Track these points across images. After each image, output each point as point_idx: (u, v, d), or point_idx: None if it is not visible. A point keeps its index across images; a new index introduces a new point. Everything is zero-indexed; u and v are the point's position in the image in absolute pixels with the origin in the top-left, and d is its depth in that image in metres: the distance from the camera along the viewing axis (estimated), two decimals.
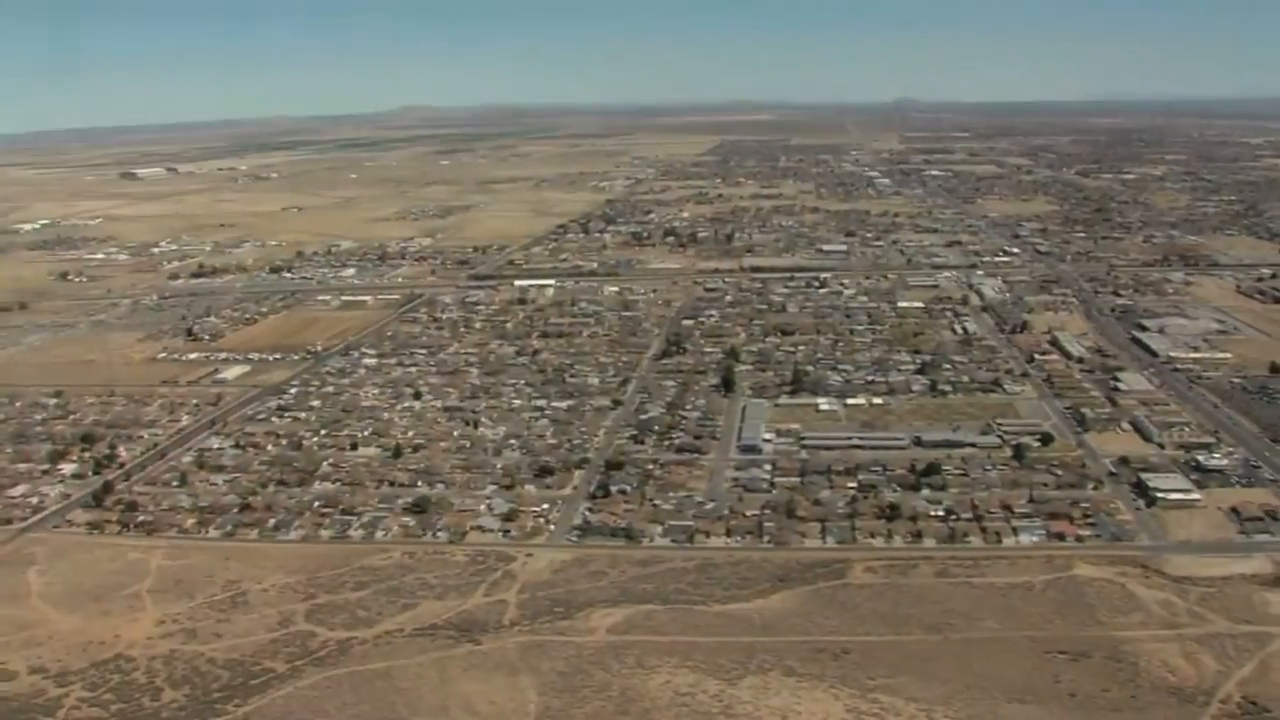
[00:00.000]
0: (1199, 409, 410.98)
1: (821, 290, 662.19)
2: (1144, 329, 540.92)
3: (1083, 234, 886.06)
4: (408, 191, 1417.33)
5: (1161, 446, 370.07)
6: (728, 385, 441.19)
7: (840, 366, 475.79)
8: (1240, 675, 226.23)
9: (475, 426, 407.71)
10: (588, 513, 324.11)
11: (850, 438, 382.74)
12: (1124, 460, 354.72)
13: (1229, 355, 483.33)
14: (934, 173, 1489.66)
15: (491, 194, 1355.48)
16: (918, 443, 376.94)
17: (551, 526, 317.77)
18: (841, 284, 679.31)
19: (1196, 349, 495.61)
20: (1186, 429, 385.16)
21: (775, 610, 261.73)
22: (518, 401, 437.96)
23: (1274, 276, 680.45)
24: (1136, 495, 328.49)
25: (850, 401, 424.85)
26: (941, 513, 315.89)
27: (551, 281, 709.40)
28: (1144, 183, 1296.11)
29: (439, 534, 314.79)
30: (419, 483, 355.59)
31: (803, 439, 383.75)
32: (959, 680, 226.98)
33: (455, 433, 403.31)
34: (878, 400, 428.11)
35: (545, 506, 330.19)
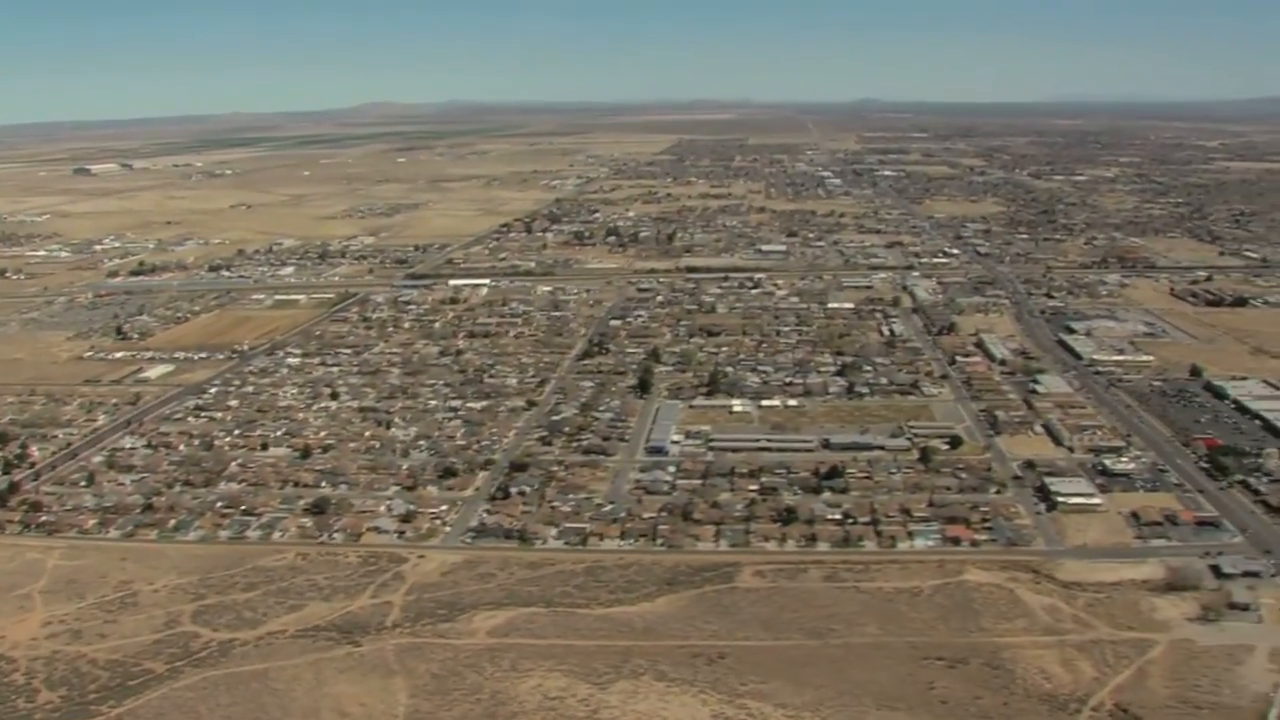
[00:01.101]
0: (1115, 412, 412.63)
1: (754, 291, 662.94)
2: (1071, 331, 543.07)
3: (1025, 235, 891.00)
4: (359, 189, 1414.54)
5: (1071, 450, 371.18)
6: (644, 386, 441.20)
7: (761, 368, 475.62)
8: (1116, 682, 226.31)
9: (387, 427, 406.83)
10: (485, 514, 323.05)
11: (758, 439, 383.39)
12: (1030, 464, 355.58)
13: (1151, 358, 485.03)
14: (886, 173, 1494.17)
15: (442, 192, 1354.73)
16: (826, 445, 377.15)
17: (448, 528, 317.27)
18: (775, 285, 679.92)
19: (1122, 351, 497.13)
20: (1099, 432, 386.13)
21: (658, 614, 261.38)
22: (433, 402, 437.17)
23: (1209, 279, 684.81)
24: (1039, 499, 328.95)
25: (765, 403, 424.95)
26: (838, 516, 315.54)
27: (486, 281, 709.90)
28: (1095, 184, 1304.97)
29: (335, 535, 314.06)
30: (323, 483, 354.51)
31: (711, 441, 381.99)
32: (831, 687, 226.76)
33: (367, 433, 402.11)
34: (793, 402, 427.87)
35: (444, 508, 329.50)
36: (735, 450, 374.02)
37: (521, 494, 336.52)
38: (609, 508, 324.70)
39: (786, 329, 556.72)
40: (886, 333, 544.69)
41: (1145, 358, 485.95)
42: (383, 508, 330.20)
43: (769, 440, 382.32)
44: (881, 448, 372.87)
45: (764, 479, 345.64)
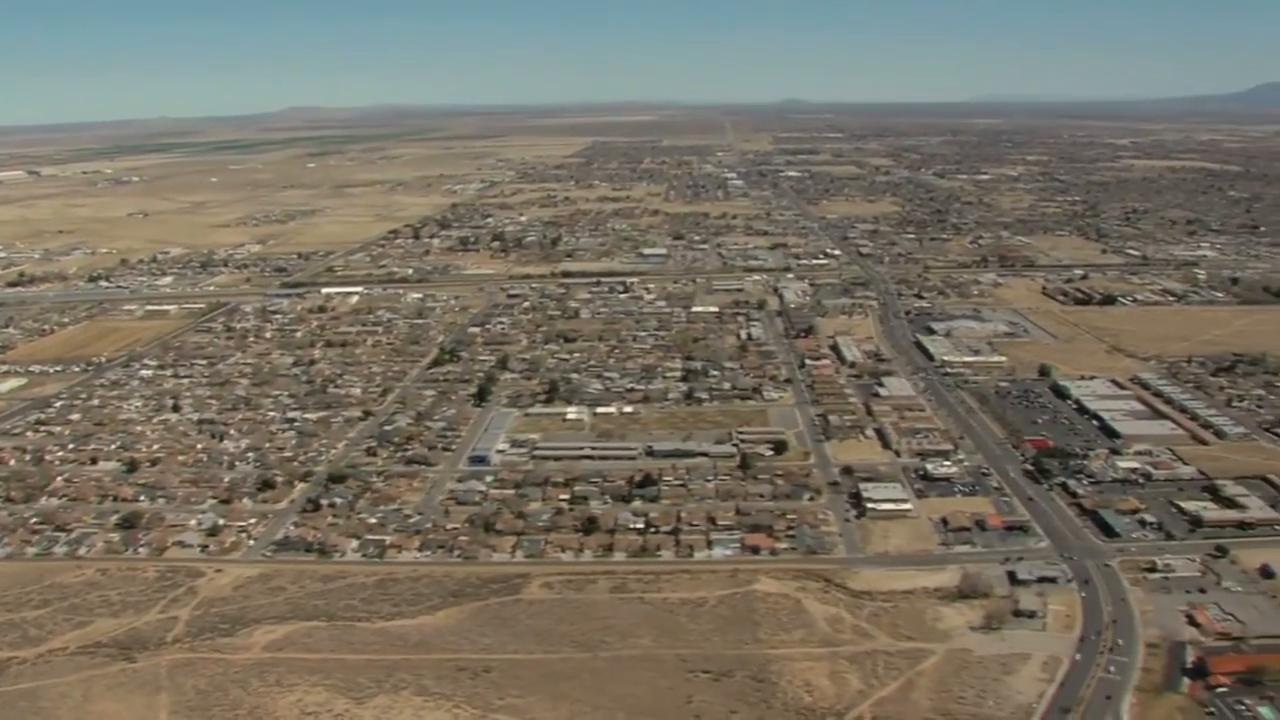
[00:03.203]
0: (953, 414, 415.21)
1: (623, 295, 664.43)
2: (931, 332, 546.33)
3: (913, 235, 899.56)
4: (262, 195, 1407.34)
5: (898, 454, 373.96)
6: (481, 395, 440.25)
7: (607, 374, 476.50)
8: (880, 695, 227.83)
9: (220, 439, 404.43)
10: (292, 527, 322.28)
11: (583, 448, 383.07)
12: (848, 470, 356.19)
13: (1004, 359, 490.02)
14: (791, 174, 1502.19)
15: (344, 198, 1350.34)
16: (650, 453, 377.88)
17: (252, 541, 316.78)
18: (645, 289, 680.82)
19: (977, 352, 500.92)
20: (930, 436, 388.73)
21: (436, 627, 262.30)
22: (273, 413, 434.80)
23: (1084, 277, 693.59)
24: (851, 505, 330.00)
25: (600, 410, 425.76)
26: (640, 526, 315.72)
27: (358, 289, 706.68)
28: (996, 183, 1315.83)
29: (141, 550, 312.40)
30: (142, 498, 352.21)
31: (535, 449, 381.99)
32: (588, 700, 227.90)
33: (198, 446, 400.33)
34: (629, 409, 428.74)
35: (253, 521, 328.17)
36: (558, 458, 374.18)
37: (332, 506, 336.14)
38: (415, 519, 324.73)
39: (644, 334, 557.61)
40: (744, 336, 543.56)
41: (997, 358, 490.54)
42: (193, 522, 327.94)
43: (592, 448, 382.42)
44: (705, 454, 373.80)
45: (577, 488, 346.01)
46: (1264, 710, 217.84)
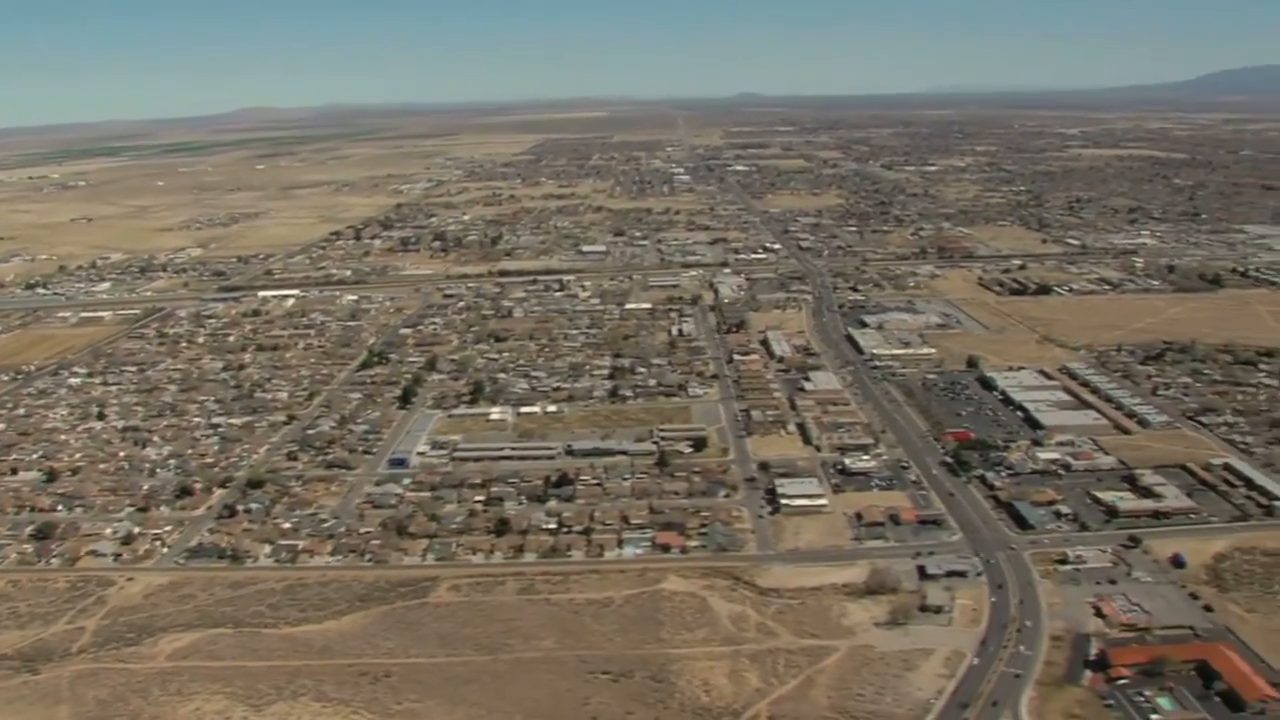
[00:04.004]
0: (878, 407, 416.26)
1: (558, 294, 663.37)
2: (863, 325, 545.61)
3: (854, 228, 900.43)
4: (207, 199, 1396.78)
5: (818, 449, 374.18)
6: (406, 397, 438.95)
7: (534, 373, 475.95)
8: (778, 693, 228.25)
9: (143, 446, 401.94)
10: (207, 534, 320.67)
11: (503, 448, 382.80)
12: (765, 465, 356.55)
13: (933, 351, 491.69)
14: (738, 168, 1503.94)
15: (290, 199, 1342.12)
16: (569, 452, 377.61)
17: (166, 549, 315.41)
18: (581, 286, 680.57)
19: (907, 344, 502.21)
20: (852, 430, 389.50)
21: (341, 632, 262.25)
22: (198, 419, 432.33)
23: (1022, 268, 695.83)
24: (766, 501, 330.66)
25: (525, 409, 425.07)
26: (553, 526, 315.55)
27: (295, 292, 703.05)
28: (943, 174, 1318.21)
29: (53, 560, 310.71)
30: (59, 507, 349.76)
31: (455, 451, 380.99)
32: (486, 704, 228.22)
33: (121, 454, 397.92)
34: (553, 408, 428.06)
35: (169, 529, 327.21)
36: (478, 459, 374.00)
37: (248, 512, 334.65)
38: (330, 523, 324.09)
39: (574, 332, 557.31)
40: (675, 332, 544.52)
41: (926, 351, 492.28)
42: (108, 530, 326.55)
43: (512, 448, 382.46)
44: (624, 453, 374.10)
45: (494, 489, 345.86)
46: (1163, 701, 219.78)
